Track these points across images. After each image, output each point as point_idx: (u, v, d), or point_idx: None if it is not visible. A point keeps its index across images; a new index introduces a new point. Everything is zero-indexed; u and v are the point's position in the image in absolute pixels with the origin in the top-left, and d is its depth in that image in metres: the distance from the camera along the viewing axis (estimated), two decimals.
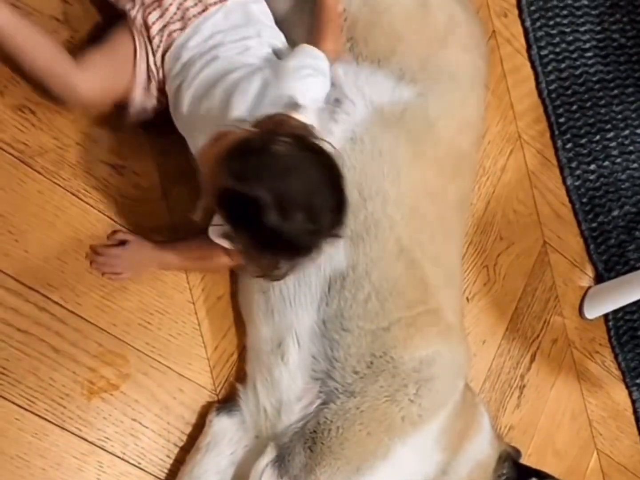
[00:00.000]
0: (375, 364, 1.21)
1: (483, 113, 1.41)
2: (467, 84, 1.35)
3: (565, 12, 1.80)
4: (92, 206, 1.24)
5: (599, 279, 1.80)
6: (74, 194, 1.22)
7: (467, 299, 1.60)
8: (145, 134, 1.28)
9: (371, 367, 1.21)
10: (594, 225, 1.80)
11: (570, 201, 1.78)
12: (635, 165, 1.86)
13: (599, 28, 1.84)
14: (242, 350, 1.33)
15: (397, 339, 1.22)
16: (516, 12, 1.74)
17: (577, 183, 1.78)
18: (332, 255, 1.22)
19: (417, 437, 1.21)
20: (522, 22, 1.75)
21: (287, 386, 1.24)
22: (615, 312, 1.77)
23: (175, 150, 1.29)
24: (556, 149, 1.77)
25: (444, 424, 1.24)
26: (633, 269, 1.80)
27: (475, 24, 1.41)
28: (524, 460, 1.46)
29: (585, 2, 1.83)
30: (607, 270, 1.80)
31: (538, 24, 1.76)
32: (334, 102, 1.27)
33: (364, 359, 1.22)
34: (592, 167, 1.81)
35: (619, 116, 1.85)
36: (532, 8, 1.76)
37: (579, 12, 1.82)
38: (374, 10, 1.27)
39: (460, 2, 1.37)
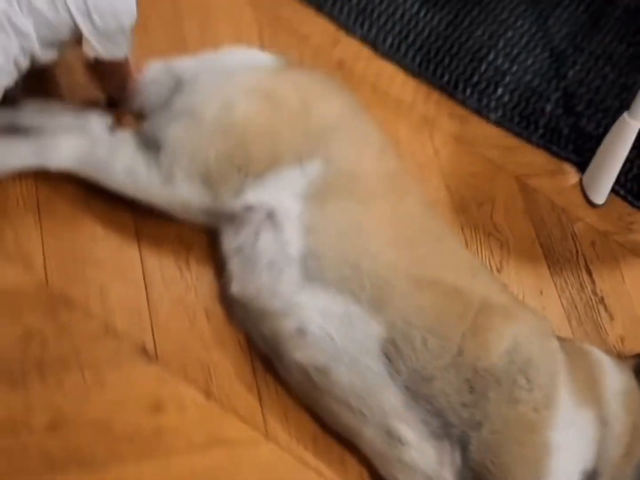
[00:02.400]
0: (475, 385, 1.21)
1: (380, 129, 1.45)
2: (352, 121, 1.40)
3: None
4: None
5: (580, 166, 1.81)
6: None
7: (498, 271, 1.60)
8: None
9: (474, 391, 1.21)
10: (540, 132, 1.82)
11: (508, 130, 1.81)
12: (530, 60, 1.90)
13: None
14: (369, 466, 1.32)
15: (474, 352, 1.22)
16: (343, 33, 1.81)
17: (499, 113, 1.81)
18: (368, 332, 1.24)
19: (558, 414, 1.20)
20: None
21: (423, 462, 1.23)
22: (617, 181, 1.77)
23: None
24: (462, 103, 1.81)
25: (570, 386, 1.23)
26: (597, 137, 1.81)
27: (319, 76, 1.47)
28: None
29: None
30: (579, 155, 1.82)
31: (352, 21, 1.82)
32: (268, 217, 1.32)
33: (463, 389, 1.21)
34: (500, 91, 1.85)
35: (485, 37, 1.90)
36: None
37: None
38: (235, 133, 1.32)
39: (292, 72, 1.44)
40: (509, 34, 1.92)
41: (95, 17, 1.25)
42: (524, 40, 1.92)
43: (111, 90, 1.47)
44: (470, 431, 1.20)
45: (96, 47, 1.29)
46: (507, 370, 1.22)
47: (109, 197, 1.38)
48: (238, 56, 1.49)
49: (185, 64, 1.49)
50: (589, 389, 1.26)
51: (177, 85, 1.42)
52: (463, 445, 1.21)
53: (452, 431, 1.21)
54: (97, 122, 1.42)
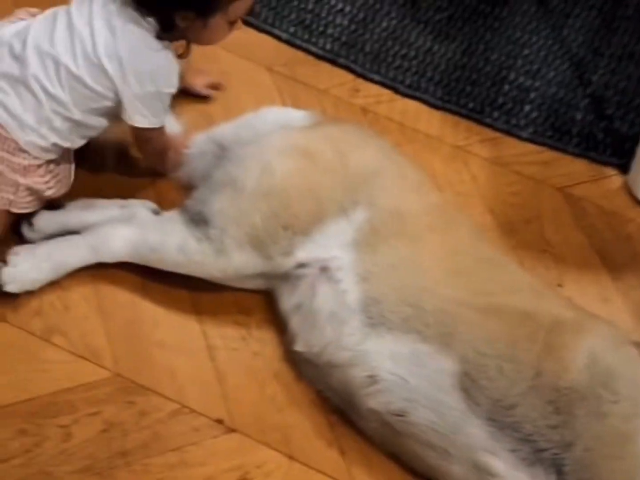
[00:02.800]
0: (560, 406, 1.19)
1: (415, 167, 1.47)
2: (388, 164, 1.42)
3: None
4: None
5: (622, 168, 1.79)
6: None
7: (559, 286, 1.58)
8: None
9: (559, 411, 1.19)
10: (575, 141, 1.81)
11: (542, 145, 1.80)
12: (551, 73, 1.90)
13: None
14: None
15: (553, 373, 1.20)
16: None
17: (530, 130, 1.81)
18: (440, 369, 1.23)
19: None
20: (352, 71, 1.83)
21: None
22: None
23: None
24: (491, 127, 1.81)
25: None
26: (634, 136, 1.80)
27: (349, 125, 1.51)
28: None
29: None
30: (619, 157, 1.80)
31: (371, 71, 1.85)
32: (321, 271, 1.33)
33: (547, 411, 1.19)
34: (527, 108, 1.85)
35: (502, 59, 1.91)
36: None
37: None
38: (277, 195, 1.34)
39: (323, 126, 1.47)
40: (526, 51, 1.93)
41: (131, 79, 1.30)
42: (542, 55, 1.93)
43: (149, 160, 1.51)
44: (562, 453, 1.18)
45: (131, 113, 1.33)
46: (589, 385, 1.20)
47: (164, 276, 1.41)
48: (273, 116, 1.53)
49: (224, 131, 1.53)
50: None
51: (222, 152, 1.46)
52: (557, 468, 1.18)
53: (543, 455, 1.19)
54: (143, 208, 1.46)
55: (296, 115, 1.53)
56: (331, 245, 1.33)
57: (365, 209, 1.34)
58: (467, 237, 1.39)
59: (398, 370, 1.25)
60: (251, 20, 1.84)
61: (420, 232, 1.35)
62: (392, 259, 1.31)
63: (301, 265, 1.35)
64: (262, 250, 1.34)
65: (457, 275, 1.31)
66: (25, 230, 1.41)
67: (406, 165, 1.46)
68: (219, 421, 1.32)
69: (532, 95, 1.86)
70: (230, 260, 1.35)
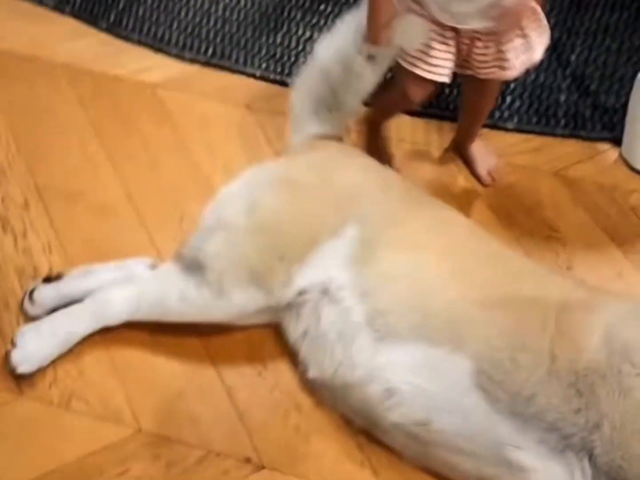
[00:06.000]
0: (581, 388, 1.16)
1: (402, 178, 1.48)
2: (371, 177, 1.44)
3: None
4: None
5: (614, 141, 1.77)
6: None
7: (568, 269, 1.56)
8: None
9: (581, 393, 1.16)
10: (562, 122, 1.80)
11: (530, 132, 1.79)
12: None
13: None
14: None
15: (568, 355, 1.17)
16: None
17: (515, 120, 1.80)
18: (455, 371, 1.21)
19: None
20: None
21: None
22: None
23: None
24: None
25: None
26: (621, 107, 1.78)
27: (332, 147, 1.52)
28: None
29: None
30: (609, 131, 1.78)
31: None
32: (322, 294, 1.33)
33: (569, 395, 1.16)
34: (508, 99, 1.84)
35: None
36: None
37: None
38: (268, 229, 1.35)
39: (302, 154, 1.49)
40: None
41: None
42: None
43: None
44: (591, 435, 1.14)
45: None
46: (608, 362, 1.16)
47: (172, 327, 1.41)
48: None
49: None
50: None
51: None
52: (588, 451, 1.15)
53: (572, 441, 1.16)
54: (139, 265, 1.47)
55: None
56: (328, 267, 1.33)
57: (355, 224, 1.34)
58: (464, 235, 1.39)
59: (414, 378, 1.23)
60: (223, 63, 1.87)
61: (415, 238, 1.35)
62: (390, 268, 1.31)
63: (302, 292, 1.34)
64: (262, 285, 1.34)
65: (459, 275, 1.30)
66: (28, 307, 1.43)
67: (391, 176, 1.47)
68: (247, 460, 1.31)
69: (512, 86, 1.86)
70: (231, 300, 1.35)
